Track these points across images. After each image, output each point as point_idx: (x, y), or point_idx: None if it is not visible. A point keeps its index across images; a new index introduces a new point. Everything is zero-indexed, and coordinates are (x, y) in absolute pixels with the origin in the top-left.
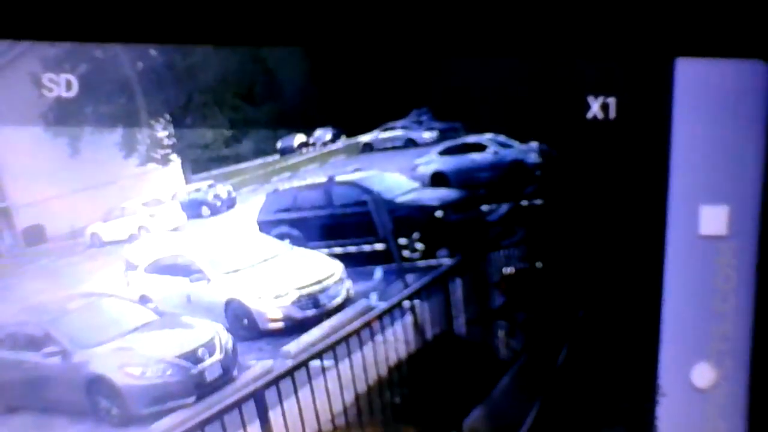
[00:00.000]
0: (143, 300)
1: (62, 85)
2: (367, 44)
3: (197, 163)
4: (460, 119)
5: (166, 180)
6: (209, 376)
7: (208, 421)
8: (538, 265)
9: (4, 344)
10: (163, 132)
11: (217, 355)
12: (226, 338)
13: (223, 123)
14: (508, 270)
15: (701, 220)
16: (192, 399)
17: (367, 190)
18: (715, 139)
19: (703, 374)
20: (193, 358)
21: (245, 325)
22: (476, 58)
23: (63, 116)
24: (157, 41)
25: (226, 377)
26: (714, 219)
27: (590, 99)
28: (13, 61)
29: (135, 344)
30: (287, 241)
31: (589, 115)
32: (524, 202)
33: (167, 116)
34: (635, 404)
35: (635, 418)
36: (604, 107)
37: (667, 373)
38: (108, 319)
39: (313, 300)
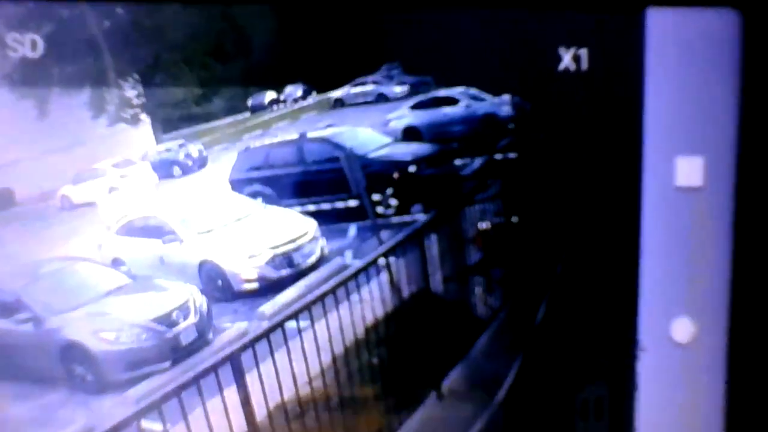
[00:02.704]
0: (116, 263)
1: (27, 45)
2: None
3: (167, 122)
4: (430, 73)
5: (137, 140)
6: (184, 340)
7: (184, 386)
8: (514, 219)
9: None
10: (132, 92)
11: (192, 318)
12: (200, 300)
13: (192, 81)
14: (483, 225)
15: (677, 171)
16: (167, 363)
17: (339, 146)
18: (688, 89)
19: (682, 328)
20: (167, 321)
21: (219, 287)
22: (446, 11)
23: (29, 77)
24: None
25: (201, 340)
26: (690, 170)
27: (562, 51)
28: None
29: (108, 309)
30: (260, 199)
31: (561, 66)
32: (498, 156)
33: (136, 75)
34: (616, 360)
35: (616, 374)
36: (576, 59)
37: (647, 328)
38: (80, 284)
39: (287, 259)
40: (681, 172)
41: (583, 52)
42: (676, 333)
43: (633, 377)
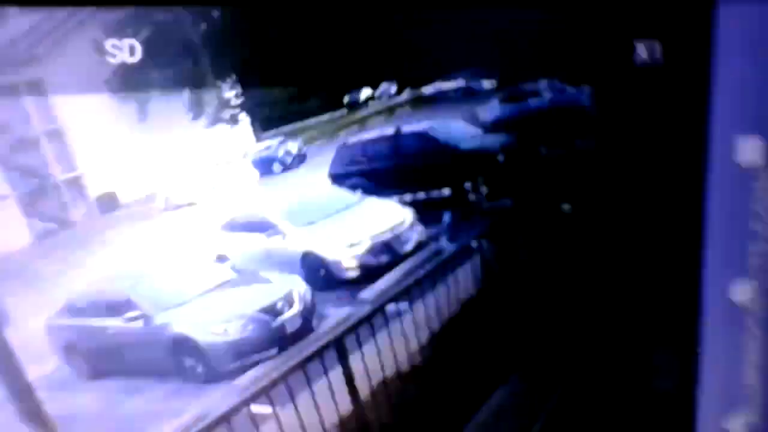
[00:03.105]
0: (221, 258)
1: (125, 50)
2: (426, 4)
3: (266, 121)
4: (512, 71)
5: (236, 139)
6: (290, 328)
7: (291, 371)
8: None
9: (86, 312)
10: (230, 92)
11: (296, 307)
12: (304, 290)
13: (289, 80)
14: (564, 208)
15: (739, 151)
16: (274, 351)
17: (432, 139)
18: (755, 78)
19: (742, 290)
20: (272, 311)
21: (322, 276)
22: (526, 10)
23: (129, 82)
24: (220, 3)
25: (306, 328)
26: (750, 150)
27: (636, 43)
28: (75, 29)
29: (215, 302)
30: (359, 191)
31: (636, 58)
32: (580, 143)
33: (234, 76)
34: (678, 326)
35: (679, 343)
36: (651, 51)
37: (708, 291)
38: (187, 280)
39: (386, 247)
40: (742, 152)
41: (657, 45)
42: (735, 295)
43: (696, 344)
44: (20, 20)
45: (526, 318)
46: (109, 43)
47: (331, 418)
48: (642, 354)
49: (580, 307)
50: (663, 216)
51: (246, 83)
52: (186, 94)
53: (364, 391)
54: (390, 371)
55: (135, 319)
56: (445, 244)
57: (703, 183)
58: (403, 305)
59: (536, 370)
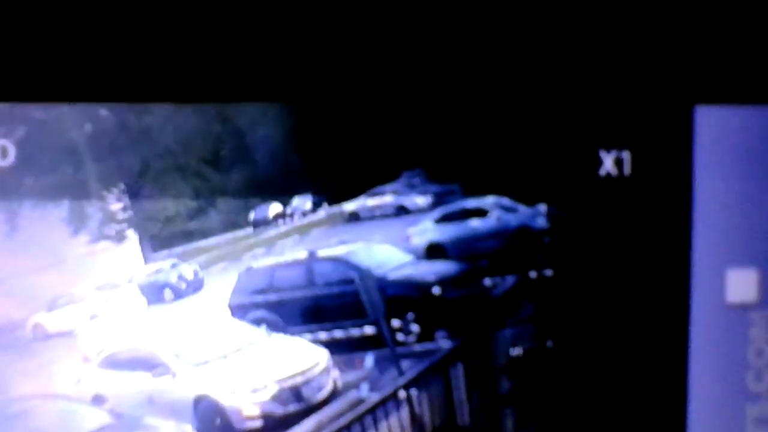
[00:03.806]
0: (97, 400)
1: None
2: (349, 99)
3: (158, 239)
4: (457, 181)
5: (122, 260)
6: None
7: None
8: (549, 344)
9: None
10: (117, 204)
11: None
12: None
13: (186, 192)
14: (515, 351)
15: (728, 286)
16: None
17: (354, 266)
18: (739, 195)
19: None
20: None
21: (218, 425)
22: (473, 111)
23: None
24: (108, 99)
25: None
26: (742, 284)
27: (602, 153)
28: None
29: None
30: (264, 326)
31: (602, 171)
32: (532, 274)
33: (121, 186)
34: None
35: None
36: (618, 162)
37: None
38: (55, 427)
39: (295, 393)
40: (733, 286)
41: (626, 155)
42: None
43: None
44: None
45: None
46: None
47: None
48: None
49: None
50: (637, 361)
51: (135, 194)
52: (66, 205)
53: None
54: None
55: None
56: (366, 393)
57: (684, 325)
58: None
59: None
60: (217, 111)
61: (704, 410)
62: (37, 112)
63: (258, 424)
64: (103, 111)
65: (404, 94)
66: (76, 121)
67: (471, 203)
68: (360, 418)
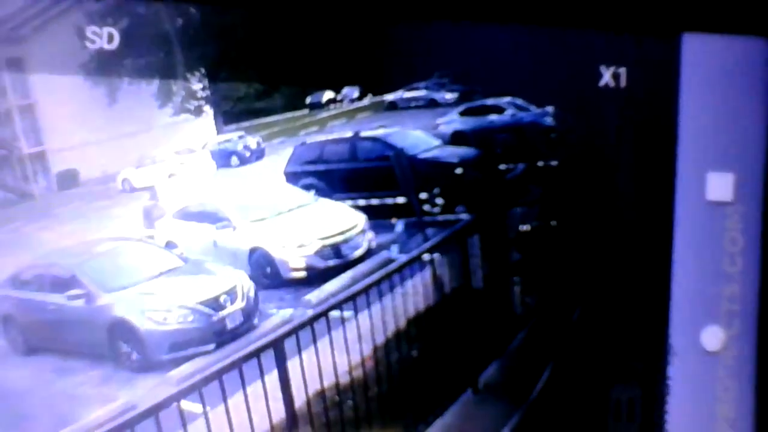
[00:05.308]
0: (169, 246)
1: (104, 37)
2: (393, 12)
3: (229, 114)
4: (479, 84)
5: (198, 130)
6: (230, 324)
7: (226, 369)
8: (553, 223)
9: (30, 285)
10: (197, 84)
11: (239, 303)
12: (248, 286)
13: (255, 78)
14: (524, 227)
15: (708, 186)
16: (212, 346)
17: (390, 146)
18: (720, 110)
19: (712, 336)
20: (215, 304)
21: (268, 274)
22: (495, 28)
23: (103, 67)
24: (196, 1)
25: (246, 325)
26: (721, 185)
27: (602, 68)
28: (60, 15)
29: (159, 289)
30: (313, 192)
31: (602, 83)
32: (540, 163)
33: (202, 70)
34: (648, 363)
35: (648, 377)
36: (616, 76)
37: (678, 335)
38: (134, 264)
39: (335, 250)
40: (712, 187)
41: (623, 71)
42: (706, 341)
43: (665, 381)
44: (8, 2)
45: (477, 339)
46: (90, 30)
47: (262, 425)
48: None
49: (533, 327)
50: (627, 245)
51: (213, 77)
52: (156, 83)
53: (299, 399)
54: (328, 379)
55: (77, 297)
56: (396, 254)
57: (670, 218)
58: (348, 312)
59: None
60: (281, 17)
61: (686, 289)
62: (140, 7)
63: (302, 274)
64: (193, 9)
65: (437, 11)
66: (170, 16)
67: (490, 101)
68: (389, 276)
